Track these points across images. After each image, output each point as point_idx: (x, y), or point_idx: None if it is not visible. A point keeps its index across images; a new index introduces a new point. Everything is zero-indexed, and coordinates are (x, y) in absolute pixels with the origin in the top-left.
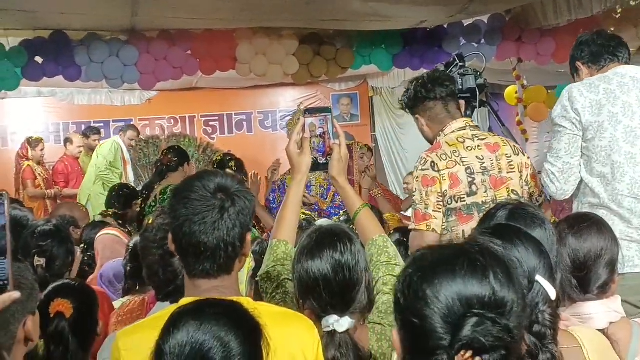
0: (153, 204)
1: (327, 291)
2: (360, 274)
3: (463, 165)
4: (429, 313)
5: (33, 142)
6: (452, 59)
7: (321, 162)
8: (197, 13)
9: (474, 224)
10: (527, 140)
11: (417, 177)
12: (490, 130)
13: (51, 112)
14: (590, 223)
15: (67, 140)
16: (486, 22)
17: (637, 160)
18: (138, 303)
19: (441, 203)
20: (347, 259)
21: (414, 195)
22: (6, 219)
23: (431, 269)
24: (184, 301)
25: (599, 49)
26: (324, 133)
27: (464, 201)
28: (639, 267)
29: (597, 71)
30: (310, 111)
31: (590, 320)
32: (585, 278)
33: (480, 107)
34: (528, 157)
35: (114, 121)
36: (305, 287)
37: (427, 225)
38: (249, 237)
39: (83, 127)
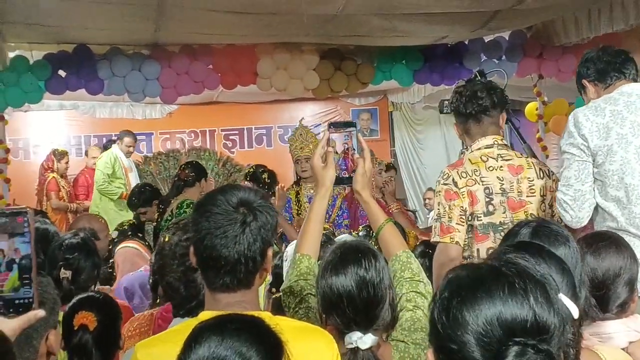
0: (169, 218)
1: (351, 308)
2: (384, 291)
3: (482, 184)
4: (467, 339)
5: (58, 155)
6: (473, 75)
7: (345, 176)
8: (219, 28)
9: (489, 243)
10: (547, 156)
11: (440, 190)
12: (511, 146)
13: (73, 125)
14: (608, 242)
15: (87, 153)
16: (507, 38)
17: None
18: (147, 318)
19: (464, 217)
20: (371, 275)
21: (437, 209)
22: (31, 236)
23: (468, 292)
24: (204, 315)
25: (604, 66)
26: (347, 149)
27: (481, 220)
28: None
29: (603, 89)
30: (335, 125)
31: (609, 340)
32: (604, 297)
33: None
34: (555, 180)
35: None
36: (328, 303)
37: (450, 238)
38: (270, 252)
39: (104, 140)
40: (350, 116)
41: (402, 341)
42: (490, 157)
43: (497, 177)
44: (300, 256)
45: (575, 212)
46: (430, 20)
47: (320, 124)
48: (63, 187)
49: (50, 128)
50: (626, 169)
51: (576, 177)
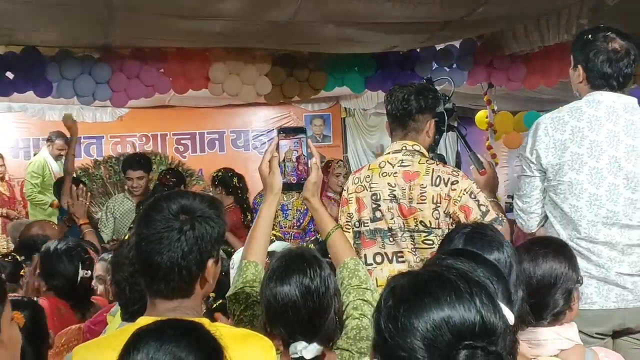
0: None
1: (295, 317)
2: (329, 300)
3: (370, 190)
4: (416, 345)
5: None
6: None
7: (295, 182)
8: (170, 33)
9: (376, 249)
10: (496, 164)
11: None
12: (457, 154)
13: (22, 128)
14: (547, 249)
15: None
16: (458, 47)
17: (602, 202)
18: (75, 332)
19: (349, 224)
20: (316, 285)
21: None
22: None
23: (414, 298)
24: (142, 320)
25: (611, 71)
26: (299, 156)
27: (367, 226)
28: (596, 305)
29: (589, 88)
30: (284, 131)
31: (539, 347)
32: (538, 304)
33: (448, 131)
34: (455, 190)
35: (84, 137)
36: (273, 312)
37: None
38: (209, 263)
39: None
40: (303, 122)
41: (347, 350)
42: (389, 163)
43: (388, 183)
44: (247, 263)
45: (525, 221)
46: (382, 29)
47: (272, 129)
48: None
49: None
50: (574, 190)
51: (523, 189)
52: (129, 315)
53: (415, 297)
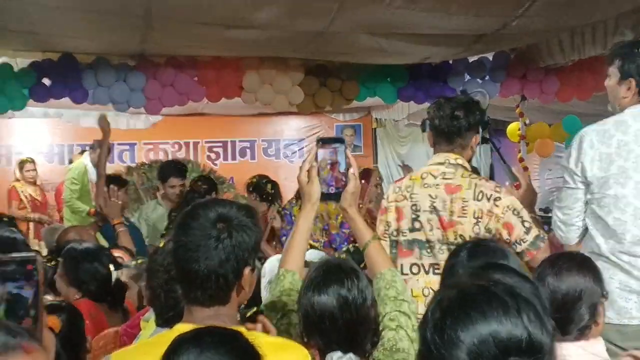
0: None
1: (332, 328)
2: (366, 311)
3: (410, 200)
4: (462, 358)
5: (20, 164)
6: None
7: (332, 192)
8: (205, 41)
9: (412, 259)
10: (529, 177)
11: None
12: (491, 167)
13: (56, 133)
14: (571, 264)
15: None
16: (491, 59)
17: None
18: (112, 335)
19: (387, 233)
20: (354, 295)
21: None
22: (40, 286)
23: (461, 311)
24: (180, 327)
25: None
26: (333, 164)
27: (406, 236)
28: (636, 320)
29: (636, 101)
30: (323, 140)
31: None
32: (564, 319)
33: (482, 143)
34: (498, 206)
35: (118, 144)
36: (310, 322)
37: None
38: (246, 271)
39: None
40: (334, 132)
41: None
42: (431, 175)
43: (429, 195)
44: (285, 272)
45: (565, 233)
46: (416, 40)
47: (304, 139)
48: (26, 196)
49: (33, 135)
50: (619, 203)
51: (565, 201)
52: (163, 322)
53: (462, 310)
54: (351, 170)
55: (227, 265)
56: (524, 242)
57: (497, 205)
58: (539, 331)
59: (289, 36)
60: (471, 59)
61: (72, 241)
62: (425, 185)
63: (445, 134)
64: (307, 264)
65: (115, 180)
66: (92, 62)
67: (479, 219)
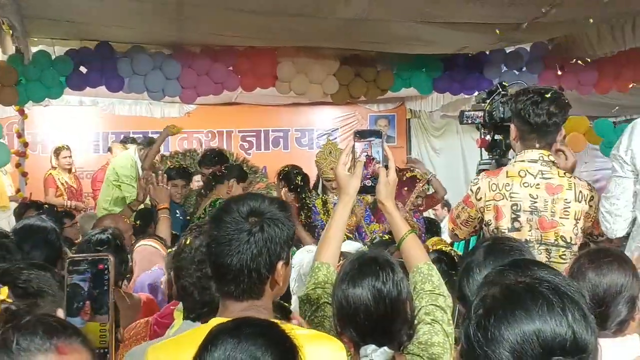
0: (202, 215)
1: (367, 321)
2: (401, 304)
3: (510, 200)
4: (505, 356)
5: (56, 150)
6: (494, 87)
7: (368, 185)
8: (239, 30)
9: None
10: None
11: (468, 188)
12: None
13: (92, 122)
14: (611, 259)
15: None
16: (528, 50)
17: None
18: (143, 325)
19: (469, 223)
20: (388, 288)
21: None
22: (111, 284)
23: (505, 309)
24: (214, 321)
25: None
26: (369, 157)
27: (505, 235)
28: None
29: None
30: (361, 133)
31: (602, 358)
32: (604, 314)
33: None
34: (592, 206)
35: (152, 132)
36: (344, 314)
37: (452, 228)
38: (279, 265)
39: (122, 137)
40: (368, 122)
41: (418, 355)
42: (529, 173)
43: (530, 195)
44: (319, 264)
45: (610, 225)
46: (453, 29)
47: (337, 129)
48: (63, 183)
49: (69, 123)
50: None
51: (613, 190)
52: (196, 317)
53: (506, 308)
54: (387, 164)
55: (260, 259)
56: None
57: (591, 205)
58: (584, 330)
59: (324, 25)
60: (508, 50)
61: (106, 228)
62: (525, 184)
63: (540, 129)
64: (342, 255)
65: (180, 174)
66: (128, 51)
67: (578, 220)
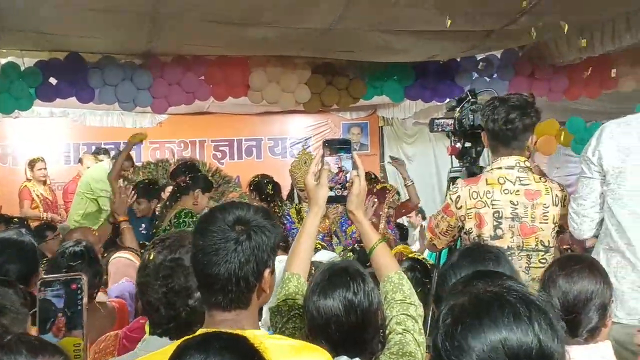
0: (168, 227)
1: (338, 332)
2: (372, 314)
3: (492, 208)
4: None
5: (31, 162)
6: (464, 94)
7: (339, 194)
8: (212, 40)
9: None
10: None
11: (447, 195)
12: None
13: (63, 133)
14: (582, 265)
15: (80, 161)
16: (499, 57)
17: None
18: (112, 339)
19: (449, 232)
20: (359, 299)
21: (438, 209)
22: (84, 304)
23: (473, 318)
24: (200, 332)
25: None
26: (339, 166)
27: (486, 242)
28: None
29: None
30: (330, 143)
31: None
32: (575, 321)
33: None
34: (565, 206)
35: (124, 143)
36: (316, 325)
37: (430, 238)
38: (266, 273)
39: (93, 148)
40: (341, 130)
41: None
42: (508, 180)
43: (511, 201)
44: (290, 275)
45: (578, 225)
46: (423, 37)
47: (310, 137)
48: (38, 195)
49: (39, 135)
50: (634, 196)
51: (580, 191)
52: (163, 332)
53: (473, 317)
54: (356, 173)
55: (247, 268)
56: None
57: (564, 206)
58: (550, 339)
59: (296, 34)
60: (479, 57)
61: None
62: (505, 191)
63: (500, 137)
64: (312, 264)
65: (144, 191)
66: (99, 61)
67: (556, 224)
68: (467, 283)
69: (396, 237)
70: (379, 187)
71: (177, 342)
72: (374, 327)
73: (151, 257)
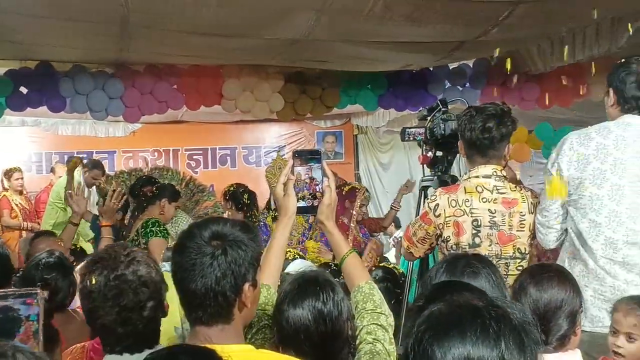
0: (135, 237)
1: (308, 342)
2: (342, 324)
3: (471, 216)
4: None
5: (7, 172)
6: (435, 104)
7: (309, 205)
8: (184, 49)
9: None
10: None
11: (425, 204)
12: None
13: (35, 142)
14: (551, 274)
15: (52, 170)
16: (471, 65)
17: (621, 219)
18: (79, 351)
19: (426, 240)
20: (329, 308)
21: (415, 217)
22: (40, 319)
23: (442, 328)
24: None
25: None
26: (311, 178)
27: (465, 251)
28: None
29: (619, 111)
30: (299, 153)
31: None
32: (545, 329)
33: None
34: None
35: (97, 152)
36: (285, 336)
37: (407, 246)
38: (246, 287)
39: (66, 158)
40: (315, 139)
41: None
42: (486, 189)
43: (489, 210)
44: (260, 285)
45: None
46: (396, 48)
47: (285, 146)
48: (17, 205)
49: (11, 144)
50: (594, 205)
51: (543, 202)
52: (121, 349)
53: (444, 327)
54: (326, 182)
55: (225, 282)
56: None
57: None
58: (515, 358)
59: (268, 44)
60: (451, 66)
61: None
62: (484, 200)
63: (477, 146)
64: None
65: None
66: (70, 70)
67: (532, 231)
68: (431, 295)
69: (368, 241)
70: (347, 188)
71: (140, 356)
72: (344, 337)
73: (93, 282)
